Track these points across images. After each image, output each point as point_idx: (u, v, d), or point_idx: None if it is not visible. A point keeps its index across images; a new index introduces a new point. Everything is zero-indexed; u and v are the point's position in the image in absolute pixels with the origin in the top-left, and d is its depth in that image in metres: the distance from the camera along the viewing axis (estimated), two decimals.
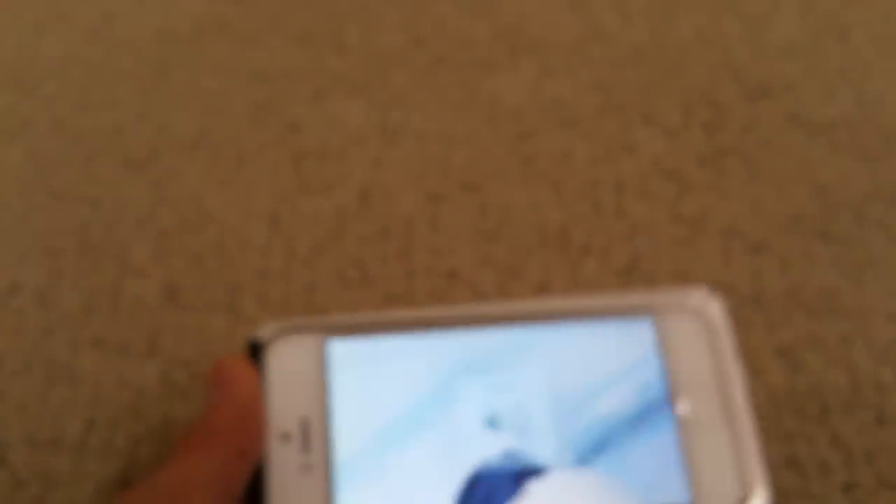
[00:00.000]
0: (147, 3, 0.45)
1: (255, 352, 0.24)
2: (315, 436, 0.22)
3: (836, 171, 0.37)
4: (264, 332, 0.24)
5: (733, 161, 0.37)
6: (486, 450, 0.23)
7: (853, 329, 0.31)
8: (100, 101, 0.40)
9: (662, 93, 0.40)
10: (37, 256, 0.34)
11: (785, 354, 0.31)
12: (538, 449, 0.23)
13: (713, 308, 0.25)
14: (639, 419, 0.23)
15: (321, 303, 0.32)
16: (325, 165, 0.37)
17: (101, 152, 0.38)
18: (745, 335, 0.31)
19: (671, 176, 0.37)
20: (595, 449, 0.23)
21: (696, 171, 0.37)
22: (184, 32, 0.43)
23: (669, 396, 0.23)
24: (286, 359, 0.23)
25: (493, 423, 0.23)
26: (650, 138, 0.38)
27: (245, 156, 0.37)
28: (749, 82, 0.40)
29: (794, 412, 0.29)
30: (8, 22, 0.44)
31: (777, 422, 0.29)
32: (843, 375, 0.30)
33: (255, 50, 0.42)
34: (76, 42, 0.43)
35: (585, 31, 0.43)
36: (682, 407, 0.23)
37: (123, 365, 0.31)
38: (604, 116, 0.39)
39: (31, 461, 0.29)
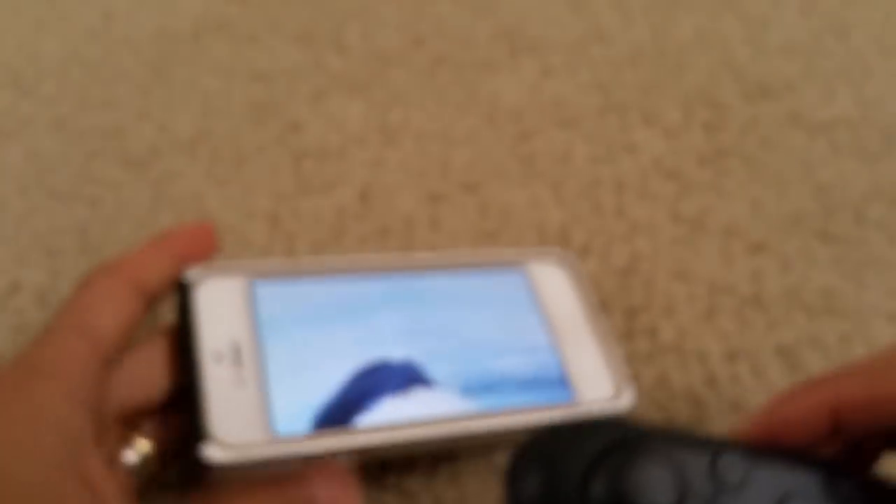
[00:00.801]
0: (147, 3, 0.45)
1: (185, 292, 0.26)
2: (245, 354, 0.25)
3: (835, 171, 0.37)
4: (192, 273, 0.26)
5: (733, 161, 0.37)
6: (391, 352, 0.26)
7: (853, 329, 0.31)
8: (100, 101, 0.40)
9: (662, 93, 0.40)
10: (37, 256, 0.34)
11: (785, 354, 0.31)
12: (433, 368, 0.27)
13: (569, 258, 0.30)
14: (522, 345, 0.28)
15: None
16: (325, 165, 0.37)
17: (101, 152, 0.38)
18: (746, 335, 0.31)
19: (671, 176, 0.37)
20: (483, 373, 0.27)
21: (696, 171, 0.37)
22: (184, 32, 0.43)
23: (544, 324, 0.29)
24: (214, 294, 0.26)
25: (401, 338, 0.27)
26: (650, 138, 0.38)
27: (245, 156, 0.38)
28: (749, 82, 0.40)
29: None
30: (8, 22, 0.44)
31: None
32: None
33: (255, 50, 0.42)
34: (76, 42, 0.43)
35: (585, 31, 0.43)
36: (556, 330, 0.28)
37: None
38: (604, 116, 0.39)
39: None
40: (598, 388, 0.27)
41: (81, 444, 0.21)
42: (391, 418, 0.25)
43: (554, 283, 0.30)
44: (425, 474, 0.27)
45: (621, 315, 0.32)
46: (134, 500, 0.23)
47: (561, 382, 0.27)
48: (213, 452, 0.23)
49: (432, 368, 0.27)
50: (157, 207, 0.36)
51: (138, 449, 0.24)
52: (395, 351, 0.27)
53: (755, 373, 0.30)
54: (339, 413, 0.25)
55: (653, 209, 0.35)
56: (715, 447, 0.20)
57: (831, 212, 0.35)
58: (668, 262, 0.33)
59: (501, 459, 0.28)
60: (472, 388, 0.27)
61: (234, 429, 0.23)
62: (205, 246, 0.27)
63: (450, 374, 0.27)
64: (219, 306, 0.26)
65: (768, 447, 0.22)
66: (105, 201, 0.36)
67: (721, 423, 0.29)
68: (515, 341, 0.28)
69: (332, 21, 0.44)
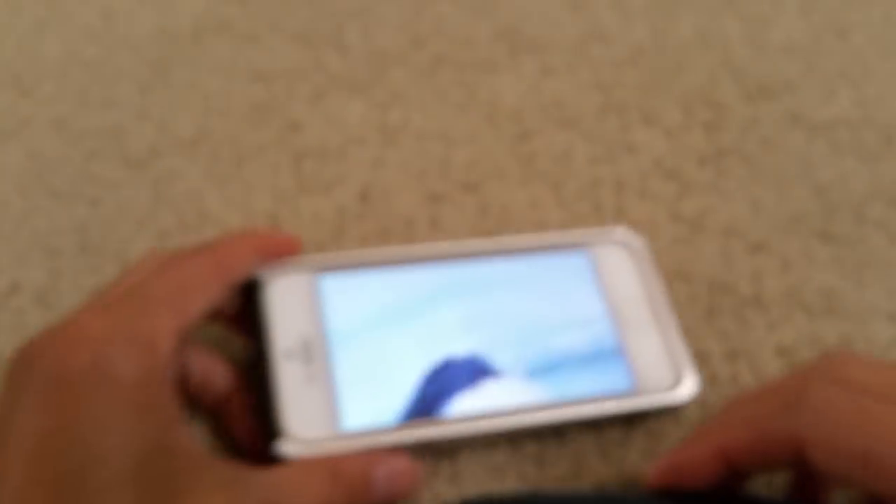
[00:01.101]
0: (147, 2, 0.45)
1: (251, 291, 0.27)
2: (315, 351, 0.26)
3: (835, 170, 0.37)
4: (262, 272, 0.27)
5: (733, 161, 0.37)
6: (455, 348, 0.27)
7: (853, 329, 0.32)
8: (99, 101, 0.40)
9: (662, 93, 0.40)
10: (37, 256, 0.34)
11: (785, 354, 0.31)
12: (497, 357, 0.28)
13: (634, 239, 0.31)
14: (585, 331, 0.29)
15: None
16: (325, 165, 0.37)
17: (100, 152, 0.38)
18: (746, 335, 0.31)
19: (671, 176, 0.37)
20: (546, 360, 0.28)
21: (696, 171, 0.37)
22: (184, 32, 0.43)
23: (607, 309, 0.29)
24: (283, 292, 0.27)
25: (465, 328, 0.28)
26: (650, 138, 0.38)
27: (245, 155, 0.37)
28: (749, 82, 0.40)
29: None
30: (8, 21, 0.44)
31: None
32: None
33: (254, 49, 0.42)
34: (76, 42, 0.43)
35: (585, 31, 0.43)
36: (618, 316, 0.29)
37: None
38: (604, 116, 0.39)
39: None
40: (659, 376, 0.28)
41: (170, 417, 0.23)
42: (457, 413, 0.26)
43: (618, 265, 0.30)
44: (426, 474, 0.27)
45: None
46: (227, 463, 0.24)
47: (622, 370, 0.28)
48: (287, 448, 0.24)
49: (497, 358, 0.27)
50: (157, 207, 0.36)
51: None
52: (461, 343, 0.27)
53: (755, 373, 0.30)
54: (407, 410, 0.26)
55: (653, 209, 0.35)
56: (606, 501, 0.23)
57: (831, 212, 0.35)
58: (669, 261, 0.33)
59: (501, 458, 0.28)
60: (536, 377, 0.27)
61: (305, 425, 0.25)
62: (287, 254, 0.28)
63: (514, 363, 0.27)
64: (288, 303, 0.27)
65: (665, 492, 0.24)
66: (105, 201, 0.36)
67: None
68: (578, 327, 0.29)
69: (332, 21, 0.44)
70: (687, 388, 0.28)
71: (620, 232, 0.31)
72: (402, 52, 0.42)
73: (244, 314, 0.27)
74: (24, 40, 0.43)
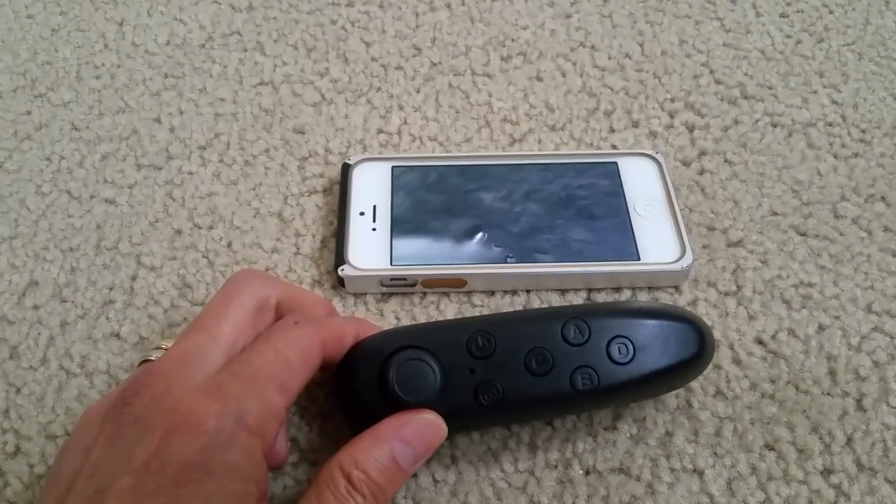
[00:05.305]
0: (160, 13, 0.45)
1: (346, 169, 0.35)
2: (381, 213, 0.34)
3: (813, 169, 0.37)
4: (352, 158, 0.36)
5: (715, 161, 0.37)
6: (487, 220, 0.34)
7: (831, 320, 0.32)
8: (114, 106, 0.40)
9: (648, 97, 0.40)
10: (54, 254, 0.35)
11: (766, 345, 0.31)
12: (521, 232, 0.33)
13: (657, 156, 0.36)
14: (604, 214, 0.34)
15: (325, 298, 0.33)
16: (329, 167, 0.38)
17: (115, 155, 0.38)
18: (727, 327, 0.32)
19: None
20: (565, 231, 0.33)
21: (679, 170, 0.37)
22: (194, 41, 0.44)
23: (626, 202, 0.34)
24: (366, 172, 0.36)
25: (497, 208, 0.34)
26: (636, 140, 0.38)
27: (252, 158, 0.38)
28: (731, 86, 0.41)
29: (775, 401, 0.30)
30: (24, 30, 0.45)
31: (759, 409, 0.29)
32: (822, 364, 0.31)
33: (261, 58, 0.43)
34: (91, 50, 0.43)
35: (575, 39, 0.43)
36: (635, 208, 0.34)
37: (138, 358, 0.30)
38: (593, 120, 0.39)
39: (47, 453, 0.29)
40: (662, 251, 0.33)
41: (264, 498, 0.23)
42: (480, 264, 0.32)
43: (641, 172, 0.35)
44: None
45: None
46: None
47: (630, 245, 0.33)
48: (345, 271, 0.32)
49: (520, 232, 0.33)
50: (169, 207, 0.36)
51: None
52: (491, 219, 0.34)
53: (737, 363, 0.31)
54: (441, 261, 0.33)
55: None
56: (471, 330, 0.26)
57: (809, 208, 0.36)
58: None
59: (495, 444, 0.29)
60: (555, 241, 0.33)
61: (362, 258, 0.32)
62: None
63: (537, 229, 0.33)
64: (367, 180, 0.35)
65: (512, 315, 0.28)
66: (119, 201, 0.36)
67: (705, 407, 0.29)
68: (597, 214, 0.34)
69: (335, 31, 0.44)
70: (683, 262, 0.32)
71: (649, 149, 0.37)
72: (400, 60, 0.42)
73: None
74: (39, 48, 0.43)
